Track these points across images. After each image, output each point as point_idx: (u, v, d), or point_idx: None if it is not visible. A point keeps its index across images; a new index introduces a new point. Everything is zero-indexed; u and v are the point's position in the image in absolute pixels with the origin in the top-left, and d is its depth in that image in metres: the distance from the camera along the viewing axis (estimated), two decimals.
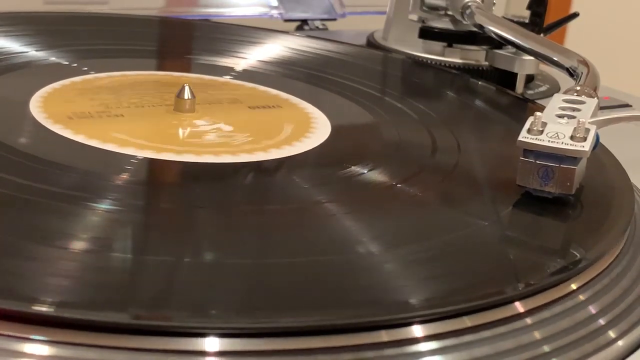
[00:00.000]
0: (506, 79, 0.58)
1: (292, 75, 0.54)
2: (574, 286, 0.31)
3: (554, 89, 0.61)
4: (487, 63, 0.60)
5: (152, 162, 0.37)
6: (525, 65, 0.57)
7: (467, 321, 0.28)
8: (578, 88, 0.42)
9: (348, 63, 0.58)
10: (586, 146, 0.35)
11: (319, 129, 0.44)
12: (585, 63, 0.49)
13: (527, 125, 0.36)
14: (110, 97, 0.45)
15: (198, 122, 0.43)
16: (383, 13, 0.67)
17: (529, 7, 0.63)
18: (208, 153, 0.39)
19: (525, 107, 0.53)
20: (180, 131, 0.42)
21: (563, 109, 0.39)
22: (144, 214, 0.33)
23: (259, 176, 0.39)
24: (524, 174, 0.36)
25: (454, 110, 0.53)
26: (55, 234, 0.29)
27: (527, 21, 0.63)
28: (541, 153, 0.36)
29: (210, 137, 0.41)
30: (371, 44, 0.65)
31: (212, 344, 0.25)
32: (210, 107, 0.45)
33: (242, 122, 0.44)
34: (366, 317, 0.27)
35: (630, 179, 0.40)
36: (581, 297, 0.31)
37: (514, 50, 0.57)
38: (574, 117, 0.38)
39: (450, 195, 0.38)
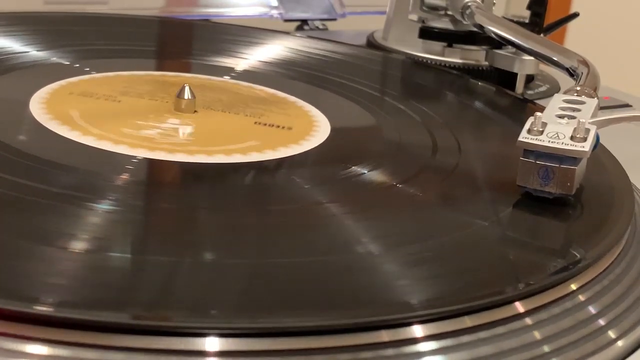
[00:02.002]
0: (506, 79, 0.58)
1: (292, 75, 0.54)
2: (574, 286, 0.31)
3: (554, 89, 0.61)
4: (487, 63, 0.60)
5: (152, 162, 0.37)
6: (525, 65, 0.57)
7: (467, 321, 0.28)
8: (578, 88, 0.42)
9: (348, 63, 0.58)
10: (586, 146, 0.35)
11: (319, 129, 0.44)
12: (585, 63, 0.49)
13: (527, 125, 0.36)
14: (110, 97, 0.45)
15: (198, 122, 0.43)
16: (383, 13, 0.67)
17: (529, 7, 0.63)
18: (210, 153, 0.39)
19: (525, 107, 0.53)
20: (181, 131, 0.42)
21: (563, 109, 0.39)
22: (144, 214, 0.33)
23: (259, 176, 0.39)
24: (524, 174, 0.36)
25: (454, 110, 0.53)
26: (55, 234, 0.29)
27: (527, 21, 0.63)
28: (541, 153, 0.36)
29: (211, 137, 0.41)
30: (371, 44, 0.66)
31: (212, 344, 0.25)
32: (210, 108, 0.45)
33: (242, 122, 0.44)
34: (366, 317, 0.27)
35: (630, 179, 0.40)
36: (581, 298, 0.31)
37: (514, 50, 0.57)
38: (574, 118, 0.38)
39: (451, 196, 0.38)
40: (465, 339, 0.27)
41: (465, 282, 0.30)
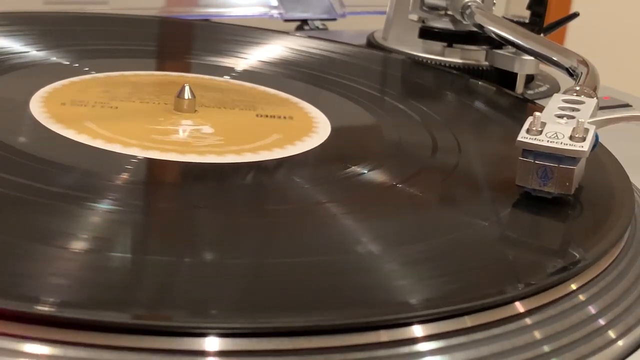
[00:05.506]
0: (506, 79, 0.58)
1: (292, 75, 0.54)
2: (573, 286, 0.31)
3: (554, 89, 0.61)
4: (487, 63, 0.60)
5: (152, 162, 0.37)
6: (525, 65, 0.57)
7: (467, 321, 0.28)
8: (577, 88, 0.42)
9: (348, 63, 0.58)
10: (585, 146, 0.35)
11: (319, 129, 0.44)
12: (584, 63, 0.49)
13: (526, 125, 0.36)
14: (110, 97, 0.45)
15: (199, 122, 0.43)
16: (383, 13, 0.67)
17: (529, 7, 0.63)
18: (210, 153, 0.39)
19: (525, 107, 0.53)
20: (181, 131, 0.42)
21: (562, 109, 0.39)
22: (144, 214, 0.33)
23: (259, 176, 0.39)
24: (523, 174, 0.36)
25: (454, 110, 0.53)
26: (56, 234, 0.29)
27: (527, 21, 0.63)
28: (540, 153, 0.36)
29: (211, 137, 0.41)
30: (371, 44, 0.65)
31: (212, 344, 0.25)
32: (210, 108, 0.45)
33: (242, 122, 0.44)
34: (366, 317, 0.27)
35: (630, 179, 0.40)
36: (581, 297, 0.31)
37: (514, 50, 0.57)
38: (573, 117, 0.38)
39: (451, 196, 0.38)
40: (465, 339, 0.27)
41: (465, 282, 0.30)
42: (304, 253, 0.31)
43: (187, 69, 0.53)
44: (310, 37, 0.64)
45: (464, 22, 0.60)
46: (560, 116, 0.38)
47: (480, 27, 0.58)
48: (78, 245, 0.29)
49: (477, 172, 0.42)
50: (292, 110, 0.47)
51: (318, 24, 0.77)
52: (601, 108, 0.42)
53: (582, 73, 0.47)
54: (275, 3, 0.77)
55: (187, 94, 0.44)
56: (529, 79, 0.60)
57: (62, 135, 0.39)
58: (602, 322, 0.30)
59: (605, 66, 0.54)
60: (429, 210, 0.37)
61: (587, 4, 1.14)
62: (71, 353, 0.24)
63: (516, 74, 0.58)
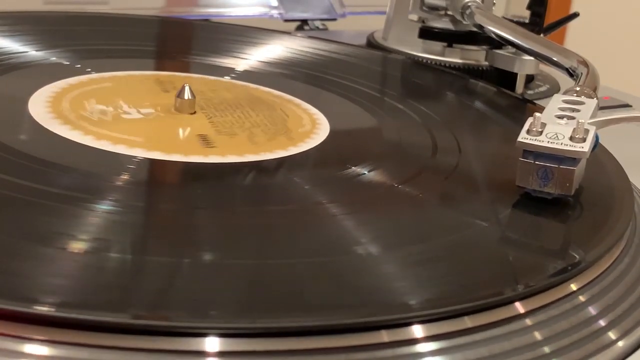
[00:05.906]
0: (506, 79, 0.58)
1: (292, 75, 0.54)
2: (574, 287, 0.31)
3: (554, 89, 0.61)
4: (487, 63, 0.60)
5: (152, 162, 0.37)
6: (525, 65, 0.57)
7: (467, 321, 0.28)
8: (577, 88, 0.42)
9: (348, 63, 0.58)
10: (585, 147, 0.35)
11: (319, 129, 0.44)
12: (585, 63, 0.49)
13: (526, 125, 0.36)
14: (110, 97, 0.45)
15: (199, 122, 0.43)
16: (383, 13, 0.67)
17: (529, 7, 0.63)
18: (212, 154, 0.39)
19: (525, 107, 0.53)
20: (181, 131, 0.42)
21: (562, 109, 0.39)
22: (144, 215, 0.33)
23: (259, 176, 0.39)
24: (523, 174, 0.36)
25: (454, 110, 0.53)
26: (56, 234, 0.29)
27: (527, 21, 0.63)
28: (540, 154, 0.36)
29: (213, 137, 0.41)
30: (371, 44, 0.66)
31: (212, 344, 0.25)
32: (210, 108, 0.45)
33: (242, 122, 0.44)
34: (366, 317, 0.27)
35: (630, 180, 0.40)
36: (581, 298, 0.31)
37: (514, 50, 0.57)
38: (573, 118, 0.38)
39: (451, 196, 0.38)
40: (465, 339, 0.27)
41: (465, 282, 0.30)
42: (304, 254, 0.31)
43: (187, 69, 0.53)
44: (310, 37, 0.64)
45: (464, 22, 0.60)
46: (561, 117, 0.38)
47: (480, 27, 0.58)
48: (78, 245, 0.29)
49: (477, 172, 0.42)
50: (291, 111, 0.47)
51: (318, 24, 0.77)
52: (601, 108, 0.42)
53: (582, 73, 0.47)
54: (275, 3, 0.77)
55: (187, 94, 0.44)
56: (529, 79, 0.60)
57: (60, 136, 0.39)
58: (602, 323, 0.30)
59: (605, 66, 0.54)
60: (429, 210, 0.37)
61: (587, 4, 1.14)
62: (71, 353, 0.24)
63: (516, 74, 0.58)
